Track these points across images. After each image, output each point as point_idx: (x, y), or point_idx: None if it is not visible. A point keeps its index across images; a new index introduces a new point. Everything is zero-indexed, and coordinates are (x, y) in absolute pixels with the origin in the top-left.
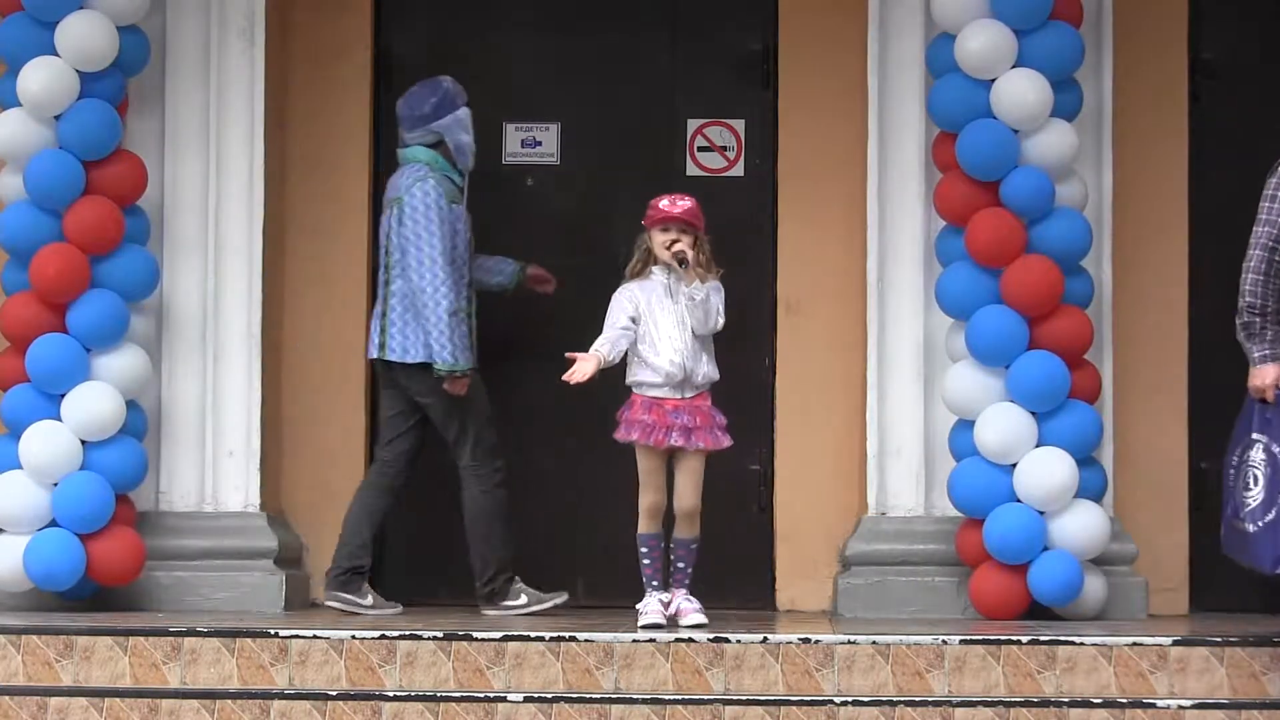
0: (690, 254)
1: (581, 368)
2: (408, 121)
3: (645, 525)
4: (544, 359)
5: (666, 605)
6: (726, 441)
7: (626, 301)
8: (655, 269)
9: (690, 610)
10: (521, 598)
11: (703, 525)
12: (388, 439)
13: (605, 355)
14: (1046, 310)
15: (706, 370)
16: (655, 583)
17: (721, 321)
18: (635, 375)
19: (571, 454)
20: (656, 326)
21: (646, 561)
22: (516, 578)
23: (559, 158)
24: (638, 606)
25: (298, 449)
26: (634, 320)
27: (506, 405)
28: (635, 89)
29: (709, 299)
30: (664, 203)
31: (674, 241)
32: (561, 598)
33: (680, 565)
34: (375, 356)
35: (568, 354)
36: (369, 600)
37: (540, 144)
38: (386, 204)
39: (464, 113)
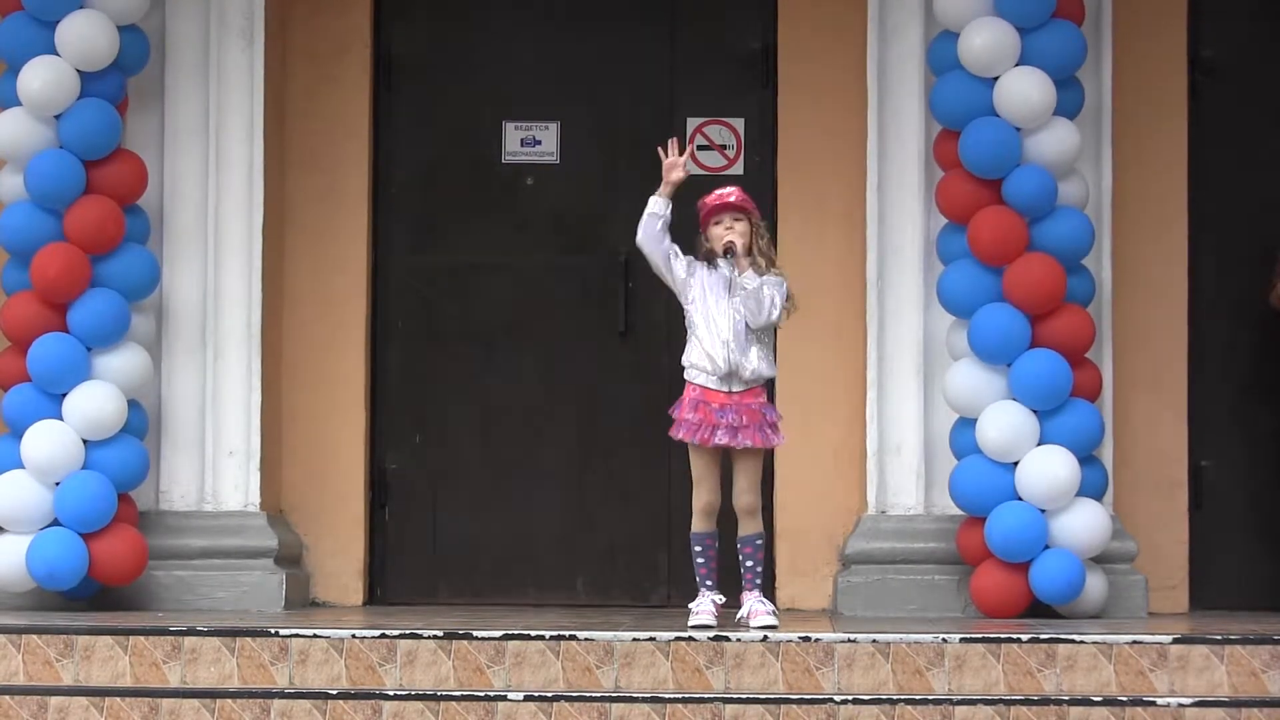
0: (740, 243)
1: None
2: None
3: (699, 524)
4: (543, 354)
5: (730, 606)
6: (777, 440)
7: (685, 258)
8: (721, 263)
9: (762, 612)
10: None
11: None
12: None
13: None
14: (1048, 309)
15: (756, 365)
16: (709, 582)
17: (776, 314)
18: (689, 355)
19: (573, 450)
20: (709, 313)
21: (700, 561)
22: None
23: (558, 156)
24: (690, 605)
25: (298, 449)
26: (685, 269)
27: (503, 400)
28: (635, 88)
29: (760, 289)
30: (711, 197)
31: (728, 230)
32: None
33: (749, 564)
34: None
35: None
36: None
37: (540, 143)
38: None
39: None
